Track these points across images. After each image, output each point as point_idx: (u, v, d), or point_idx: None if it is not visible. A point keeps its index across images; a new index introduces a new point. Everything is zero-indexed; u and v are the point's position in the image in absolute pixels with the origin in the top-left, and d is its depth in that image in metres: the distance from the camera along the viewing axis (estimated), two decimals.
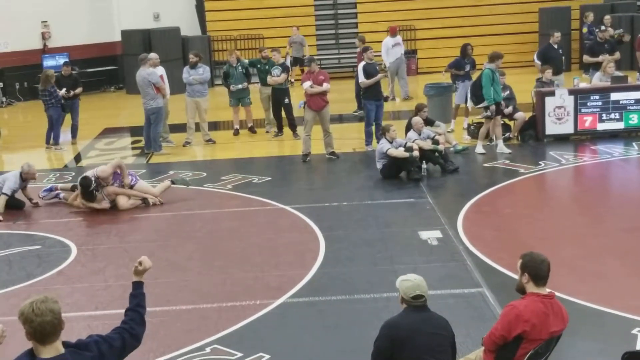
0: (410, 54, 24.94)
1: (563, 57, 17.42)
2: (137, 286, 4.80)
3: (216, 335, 7.56)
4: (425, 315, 5.38)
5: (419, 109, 14.01)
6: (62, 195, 12.56)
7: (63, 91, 16.99)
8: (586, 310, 7.70)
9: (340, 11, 25.75)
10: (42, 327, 4.08)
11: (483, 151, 14.29)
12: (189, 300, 8.51)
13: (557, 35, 16.90)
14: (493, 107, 14.14)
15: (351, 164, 14.38)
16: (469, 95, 16.44)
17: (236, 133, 17.12)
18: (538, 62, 16.93)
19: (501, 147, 14.22)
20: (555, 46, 16.83)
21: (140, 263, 4.79)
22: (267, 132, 17.18)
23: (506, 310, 5.50)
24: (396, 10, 25.01)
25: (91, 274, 9.50)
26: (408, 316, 5.33)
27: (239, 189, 12.83)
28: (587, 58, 17.51)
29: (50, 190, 12.66)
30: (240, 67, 16.88)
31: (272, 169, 14.46)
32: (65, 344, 4.21)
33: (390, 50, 20.10)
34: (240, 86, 16.81)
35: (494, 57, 14.31)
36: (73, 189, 12.44)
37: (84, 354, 4.26)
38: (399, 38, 20.76)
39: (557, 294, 5.66)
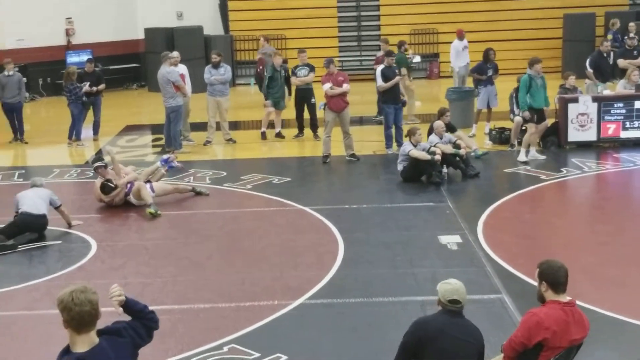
0: (432, 57, 24.91)
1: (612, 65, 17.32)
2: (131, 304, 4.55)
3: (234, 334, 7.57)
4: (457, 321, 5.37)
5: (441, 113, 13.96)
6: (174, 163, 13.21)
7: (87, 85, 17.07)
8: (606, 319, 7.64)
9: (363, 13, 25.73)
10: (80, 316, 4.12)
11: (525, 159, 13.85)
12: (207, 299, 8.52)
13: (607, 44, 16.86)
14: (527, 114, 13.94)
15: (371, 166, 14.36)
16: (491, 102, 16.37)
17: (264, 136, 16.78)
18: (590, 70, 16.82)
19: (522, 156, 13.96)
20: (605, 54, 16.77)
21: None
22: None
23: (526, 317, 5.47)
24: (419, 14, 24.97)
25: (111, 270, 9.55)
26: (439, 318, 5.36)
27: (259, 189, 12.84)
28: (622, 62, 17.30)
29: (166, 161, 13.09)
30: (283, 71, 16.84)
31: (292, 169, 14.46)
32: (98, 331, 4.24)
33: (460, 54, 19.75)
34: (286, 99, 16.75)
35: (532, 63, 14.03)
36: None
37: (118, 340, 4.30)
38: (465, 41, 19.94)
39: (577, 302, 5.62)
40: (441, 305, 5.42)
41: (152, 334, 4.59)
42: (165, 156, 13.54)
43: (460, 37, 19.59)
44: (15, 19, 22.93)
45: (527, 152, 14.03)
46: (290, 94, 16.93)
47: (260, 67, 19.70)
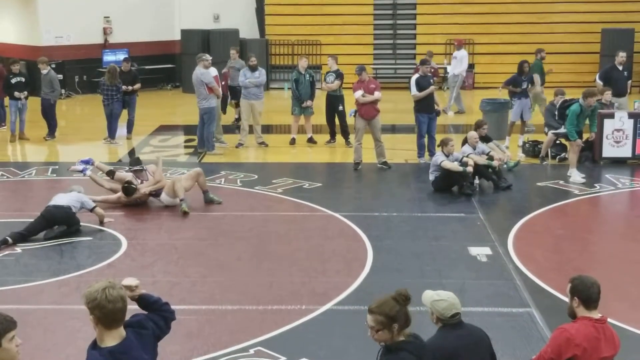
0: (468, 68, 24.75)
1: (630, 80, 17.01)
2: (147, 296, 4.58)
3: (260, 337, 7.59)
4: (464, 332, 5.31)
5: (478, 125, 13.89)
6: (88, 172, 12.79)
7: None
8: (636, 337, 7.55)
9: (399, 22, 25.70)
10: (113, 313, 4.13)
11: (581, 180, 13.41)
12: (235, 301, 8.56)
13: (622, 55, 16.49)
14: (579, 141, 13.64)
15: (402, 174, 14.32)
16: (524, 115, 16.23)
17: (293, 142, 16.86)
18: (599, 83, 16.53)
19: (575, 177, 13.55)
20: (620, 67, 16.50)
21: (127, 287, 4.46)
22: None
23: (557, 333, 5.41)
24: (455, 24, 24.86)
25: (140, 268, 9.61)
26: (448, 335, 5.26)
27: (290, 194, 12.86)
28: None
29: (87, 162, 12.93)
30: (307, 75, 16.87)
31: (324, 175, 14.47)
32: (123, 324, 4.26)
33: (453, 61, 20.15)
34: (310, 102, 16.76)
35: (587, 95, 13.48)
36: (109, 174, 12.69)
37: (142, 332, 4.32)
38: (462, 52, 20.70)
39: (608, 319, 5.55)
40: (441, 322, 5.31)
41: (170, 325, 4.58)
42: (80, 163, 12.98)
43: (456, 46, 20.08)
44: (54, 16, 23.19)
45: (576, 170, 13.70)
46: (312, 98, 16.87)
47: (223, 83, 17.44)
